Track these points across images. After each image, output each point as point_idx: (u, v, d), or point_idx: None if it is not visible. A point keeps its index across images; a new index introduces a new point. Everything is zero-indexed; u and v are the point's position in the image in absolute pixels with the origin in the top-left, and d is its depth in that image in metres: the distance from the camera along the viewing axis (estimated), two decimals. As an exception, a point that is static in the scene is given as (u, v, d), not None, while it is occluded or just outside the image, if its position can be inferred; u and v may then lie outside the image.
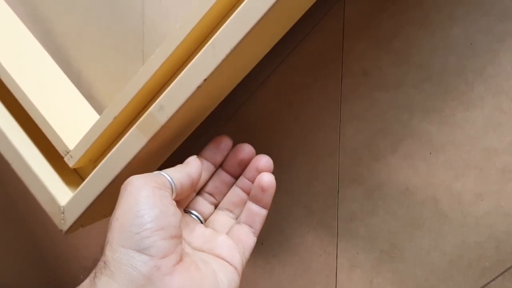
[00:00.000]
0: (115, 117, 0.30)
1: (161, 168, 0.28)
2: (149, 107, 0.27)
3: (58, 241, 0.54)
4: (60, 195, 0.32)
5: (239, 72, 0.32)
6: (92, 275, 0.23)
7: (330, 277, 0.37)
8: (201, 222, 0.31)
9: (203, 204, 0.32)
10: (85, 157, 0.32)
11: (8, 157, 0.34)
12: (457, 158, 0.32)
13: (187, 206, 0.31)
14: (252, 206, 0.30)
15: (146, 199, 0.24)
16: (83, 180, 0.32)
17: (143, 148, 0.28)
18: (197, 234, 0.29)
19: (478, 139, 0.31)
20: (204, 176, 0.31)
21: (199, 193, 0.32)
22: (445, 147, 0.32)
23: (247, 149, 0.31)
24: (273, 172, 0.30)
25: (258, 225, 0.30)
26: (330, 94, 0.35)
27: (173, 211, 0.25)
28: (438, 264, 0.34)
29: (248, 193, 0.31)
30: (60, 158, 0.33)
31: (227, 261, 0.27)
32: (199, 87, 0.26)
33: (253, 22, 0.24)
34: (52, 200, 0.32)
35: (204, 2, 0.26)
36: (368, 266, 0.36)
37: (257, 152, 0.31)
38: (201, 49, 0.26)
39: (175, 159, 0.34)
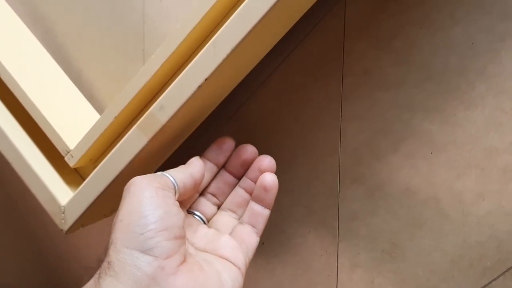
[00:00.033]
0: (116, 117, 0.29)
1: (162, 168, 0.28)
2: (150, 106, 0.27)
3: (58, 241, 0.54)
4: (60, 195, 0.32)
5: (240, 71, 0.32)
6: (96, 275, 0.23)
7: (331, 277, 0.37)
8: (204, 223, 0.31)
9: (206, 205, 0.32)
10: (86, 157, 0.32)
11: (9, 156, 0.34)
12: (458, 158, 0.32)
13: (190, 207, 0.31)
14: (255, 206, 0.30)
15: (150, 199, 0.24)
16: (84, 179, 0.32)
17: (143, 148, 0.28)
18: (200, 234, 0.29)
19: (479, 138, 0.31)
20: (207, 177, 0.31)
21: (202, 194, 0.32)
22: (446, 146, 0.32)
23: (249, 149, 0.31)
24: (274, 172, 0.30)
25: (261, 225, 0.30)
26: (331, 94, 0.35)
27: (176, 211, 0.25)
28: (439, 264, 0.33)
29: (250, 194, 0.31)
30: (61, 157, 0.33)
31: (230, 262, 0.27)
32: (200, 86, 0.26)
33: (254, 22, 0.24)
34: (53, 199, 0.32)
35: (205, 1, 0.26)
36: (369, 266, 0.36)
37: (258, 152, 0.31)
38: (202, 48, 0.26)
39: (176, 159, 0.34)
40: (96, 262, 0.51)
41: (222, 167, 0.32)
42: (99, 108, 0.40)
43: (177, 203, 0.26)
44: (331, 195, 0.36)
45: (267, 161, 0.30)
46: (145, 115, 0.27)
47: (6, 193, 0.54)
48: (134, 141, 0.28)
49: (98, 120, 0.30)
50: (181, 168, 0.28)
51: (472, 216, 0.32)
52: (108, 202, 0.34)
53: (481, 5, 0.30)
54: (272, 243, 0.39)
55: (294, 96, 0.36)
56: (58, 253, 0.54)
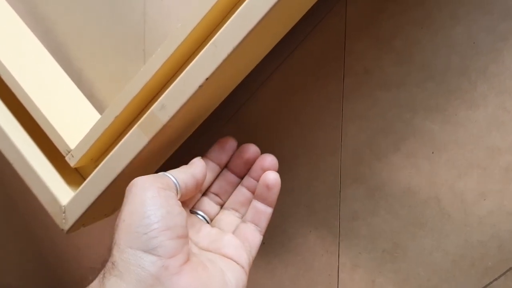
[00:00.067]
0: (117, 117, 0.29)
1: (163, 168, 0.28)
2: (151, 106, 0.27)
3: (58, 241, 0.53)
4: (61, 195, 0.32)
5: (240, 71, 0.32)
6: (100, 275, 0.23)
7: (332, 277, 0.37)
8: (207, 222, 0.31)
9: (209, 204, 0.32)
10: (87, 157, 0.32)
11: (10, 156, 0.33)
12: (460, 157, 0.32)
13: (193, 207, 0.32)
14: (258, 205, 0.30)
15: (152, 200, 0.24)
16: (85, 179, 0.32)
17: (144, 148, 0.28)
18: (203, 234, 0.29)
19: (481, 138, 0.31)
20: (210, 177, 0.31)
21: (205, 193, 0.32)
22: (448, 146, 0.32)
23: (252, 149, 0.31)
24: (277, 171, 0.30)
25: (264, 223, 0.30)
26: (331, 94, 0.35)
27: (179, 211, 0.25)
28: (440, 263, 0.33)
29: (253, 192, 0.31)
30: (61, 157, 0.33)
31: (234, 261, 0.27)
32: (200, 86, 0.26)
33: (255, 21, 0.24)
34: (54, 199, 0.32)
35: (206, 1, 0.26)
36: (370, 265, 0.36)
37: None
38: (202, 48, 0.25)
39: (176, 159, 0.34)
40: (98, 261, 0.51)
41: (225, 166, 0.32)
42: (99, 107, 0.40)
43: (179, 203, 0.26)
44: (332, 195, 0.36)
45: (270, 159, 0.31)
46: (146, 114, 0.27)
47: (6, 193, 0.54)
48: (135, 140, 0.28)
49: (99, 120, 0.30)
50: (182, 168, 0.28)
51: (473, 216, 0.32)
52: (109, 202, 0.34)
53: (482, 5, 0.30)
54: (273, 243, 0.39)
55: (295, 96, 0.36)
56: (58, 253, 0.54)
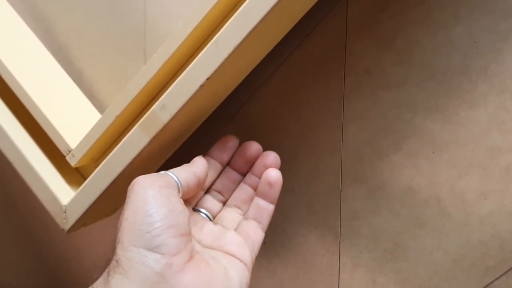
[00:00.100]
0: (117, 116, 0.29)
1: (163, 168, 0.28)
2: (151, 106, 0.27)
3: (59, 241, 0.53)
4: (62, 194, 0.32)
5: (241, 70, 0.32)
6: (105, 273, 0.23)
7: (333, 277, 0.37)
8: (210, 220, 0.31)
9: (211, 202, 0.32)
10: (87, 156, 0.32)
11: (10, 156, 0.33)
12: (461, 157, 0.32)
13: (196, 205, 0.32)
14: (260, 202, 0.30)
15: (154, 198, 0.24)
16: (85, 179, 0.32)
17: (145, 147, 0.28)
18: (206, 231, 0.29)
19: (481, 137, 0.31)
20: (212, 175, 0.32)
21: (207, 191, 0.32)
22: (448, 146, 0.32)
23: (254, 146, 0.31)
24: (279, 168, 0.31)
25: (266, 220, 0.31)
26: (332, 93, 0.35)
27: (181, 209, 0.25)
28: (441, 263, 0.33)
29: (255, 190, 0.31)
30: (62, 157, 0.33)
31: (237, 258, 0.27)
32: (202, 85, 0.26)
33: (256, 20, 0.24)
34: (54, 199, 0.32)
35: (207, 0, 0.26)
36: (371, 265, 0.36)
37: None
38: (203, 47, 0.25)
39: (177, 158, 0.34)
40: (98, 261, 0.51)
41: (227, 164, 0.32)
42: (100, 107, 0.40)
43: (181, 201, 0.26)
44: (333, 194, 0.36)
45: (272, 157, 0.31)
46: (146, 114, 0.27)
47: (6, 193, 0.54)
48: (136, 140, 0.28)
49: (100, 120, 0.30)
50: (184, 167, 0.28)
51: (474, 216, 0.32)
52: (109, 202, 0.34)
53: (483, 5, 0.30)
54: (273, 242, 0.39)
55: (295, 96, 0.36)
56: (58, 253, 0.54)
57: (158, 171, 0.28)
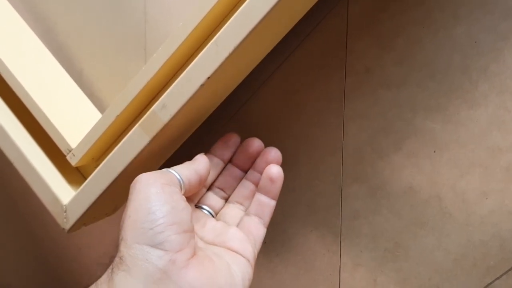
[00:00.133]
0: (118, 116, 0.29)
1: (164, 166, 0.28)
2: (152, 105, 0.27)
3: (59, 241, 0.53)
4: (62, 194, 0.32)
5: (242, 70, 0.32)
6: (109, 270, 0.23)
7: (333, 276, 0.37)
8: (213, 216, 0.31)
9: (213, 199, 0.32)
10: (88, 156, 0.32)
11: (11, 156, 0.33)
12: (462, 157, 0.32)
13: (198, 202, 0.32)
14: (261, 198, 0.31)
15: (156, 195, 0.24)
16: (86, 178, 0.32)
17: (145, 147, 0.28)
18: (208, 228, 0.29)
19: (482, 137, 0.31)
20: (214, 172, 0.32)
21: (209, 188, 0.32)
22: (449, 145, 0.32)
23: (256, 143, 0.31)
24: (280, 164, 0.31)
25: (267, 216, 0.31)
26: (333, 93, 0.35)
27: (183, 206, 0.25)
28: (442, 263, 0.33)
29: (257, 186, 0.31)
30: (63, 156, 0.33)
31: (239, 254, 0.28)
32: (202, 85, 0.26)
33: (257, 20, 0.24)
34: (55, 198, 0.32)
35: (207, 0, 0.26)
36: (372, 264, 0.36)
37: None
38: (204, 47, 0.25)
39: (177, 158, 0.34)
40: (98, 261, 0.51)
41: (229, 161, 0.33)
42: (100, 107, 0.40)
43: (184, 198, 0.26)
44: (333, 194, 0.36)
45: (273, 153, 0.31)
46: (147, 114, 0.27)
47: (6, 193, 0.54)
48: (136, 140, 0.28)
49: (100, 119, 0.30)
50: (186, 164, 0.29)
51: (475, 215, 0.32)
52: (110, 201, 0.34)
53: (483, 4, 0.30)
54: (274, 242, 0.39)
55: (296, 95, 0.36)
56: (58, 253, 0.54)
57: (159, 169, 0.28)
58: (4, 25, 0.38)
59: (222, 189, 0.32)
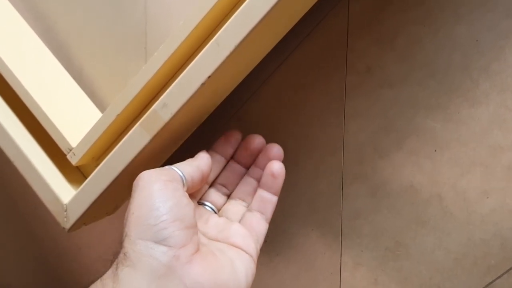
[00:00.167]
0: (118, 115, 0.29)
1: (165, 165, 0.28)
2: (152, 104, 0.27)
3: (59, 241, 0.53)
4: (63, 193, 0.32)
5: (242, 69, 0.32)
6: (113, 266, 0.24)
7: (334, 275, 0.37)
8: (215, 213, 0.32)
9: (216, 195, 0.32)
10: (88, 155, 0.32)
11: (11, 155, 0.33)
12: (462, 155, 0.32)
13: (200, 198, 0.32)
14: (263, 193, 0.31)
15: (159, 192, 0.24)
16: (86, 178, 0.32)
17: (146, 146, 0.28)
18: (211, 224, 0.30)
19: (483, 136, 0.31)
20: (216, 169, 0.32)
21: (212, 185, 0.33)
22: (450, 144, 0.32)
23: (258, 139, 0.32)
24: (282, 161, 0.31)
25: (270, 212, 0.31)
26: (333, 92, 0.35)
27: (186, 202, 0.25)
28: (443, 262, 0.33)
29: (259, 182, 0.31)
30: (63, 156, 0.33)
31: (242, 249, 0.28)
32: (203, 84, 0.26)
33: (258, 19, 0.24)
34: (55, 198, 0.32)
35: (208, -1, 0.26)
36: (373, 264, 0.36)
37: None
38: (204, 46, 0.25)
39: (178, 157, 0.34)
40: (98, 261, 0.51)
41: (231, 158, 0.33)
42: (101, 106, 0.40)
43: (186, 195, 0.26)
44: (334, 193, 0.36)
45: (275, 149, 0.31)
46: (147, 113, 0.27)
47: (6, 193, 0.54)
48: (137, 139, 0.28)
49: (100, 118, 0.30)
50: (188, 161, 0.29)
51: (476, 214, 0.32)
52: (110, 200, 0.34)
53: (484, 3, 0.30)
54: (274, 241, 0.39)
55: (297, 94, 0.36)
56: (58, 253, 0.54)
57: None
58: (4, 24, 0.38)
59: (224, 186, 0.33)
